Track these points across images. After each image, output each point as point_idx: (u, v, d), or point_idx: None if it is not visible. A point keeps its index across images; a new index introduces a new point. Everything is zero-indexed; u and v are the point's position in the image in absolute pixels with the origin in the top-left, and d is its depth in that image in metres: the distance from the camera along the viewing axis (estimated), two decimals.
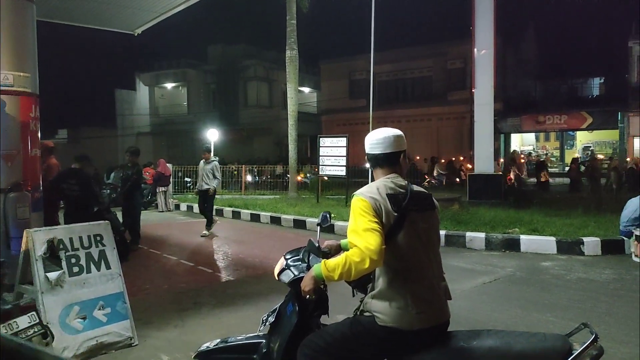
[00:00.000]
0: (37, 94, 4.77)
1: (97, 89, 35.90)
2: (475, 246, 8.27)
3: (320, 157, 14.49)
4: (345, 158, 13.83)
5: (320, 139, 14.88)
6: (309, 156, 28.34)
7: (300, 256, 2.45)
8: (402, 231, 2.07)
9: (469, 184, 12.92)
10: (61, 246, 3.78)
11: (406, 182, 2.23)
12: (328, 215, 2.67)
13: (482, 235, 8.34)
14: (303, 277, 2.23)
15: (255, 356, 2.41)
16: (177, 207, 15.90)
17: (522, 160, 21.50)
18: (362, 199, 2.09)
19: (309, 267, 2.31)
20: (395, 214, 2.07)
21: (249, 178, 20.88)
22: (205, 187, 10.09)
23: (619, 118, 24.18)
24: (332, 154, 14.19)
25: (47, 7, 7.02)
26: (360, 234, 2.00)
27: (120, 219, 8.10)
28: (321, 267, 2.08)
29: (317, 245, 2.40)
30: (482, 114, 12.97)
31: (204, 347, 2.54)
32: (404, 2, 27.16)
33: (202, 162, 10.39)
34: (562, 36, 34.86)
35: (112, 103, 34.77)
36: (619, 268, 6.68)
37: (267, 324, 2.40)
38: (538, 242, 7.92)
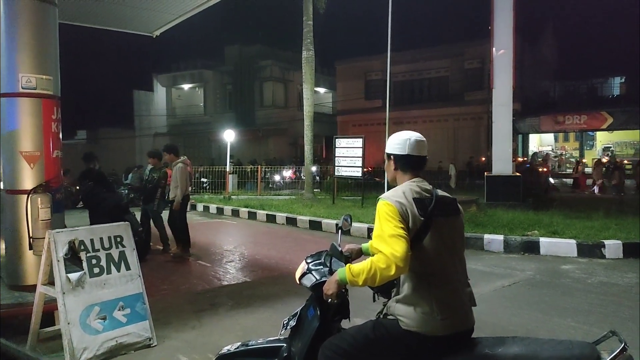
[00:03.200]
0: (59, 96, 4.83)
1: (115, 90, 36.37)
2: (494, 249, 8.17)
3: (336, 158, 14.47)
4: (361, 159, 13.79)
5: (336, 139, 14.87)
6: (325, 157, 28.34)
7: (322, 260, 2.43)
8: (427, 236, 2.05)
9: (487, 185, 12.78)
10: (82, 247, 3.82)
11: (431, 186, 2.22)
12: (349, 219, 2.64)
13: (501, 237, 8.24)
14: (325, 281, 2.21)
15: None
16: (194, 207, 16.01)
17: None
18: (388, 203, 2.06)
19: (330, 272, 2.30)
20: (422, 219, 2.05)
21: (276, 177, 20.98)
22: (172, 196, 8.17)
23: None
24: (348, 155, 14.17)
25: (67, 9, 7.12)
26: (387, 239, 1.97)
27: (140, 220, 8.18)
28: (346, 271, 2.06)
29: (339, 249, 2.38)
30: (500, 115, 12.81)
31: (224, 350, 2.54)
32: (421, 2, 27.00)
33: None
34: (582, 35, 34.35)
35: (130, 104, 35.22)
36: None
37: (288, 327, 2.39)
38: (558, 245, 7.80)
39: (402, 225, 2.01)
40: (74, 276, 3.68)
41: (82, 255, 3.81)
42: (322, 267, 2.38)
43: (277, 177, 21.42)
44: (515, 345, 1.94)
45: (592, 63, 31.42)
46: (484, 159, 23.75)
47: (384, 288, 2.19)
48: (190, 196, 16.40)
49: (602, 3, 31.95)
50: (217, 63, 34.76)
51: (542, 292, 5.76)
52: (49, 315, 4.08)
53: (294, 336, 2.37)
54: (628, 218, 9.16)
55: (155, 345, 4.01)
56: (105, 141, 31.71)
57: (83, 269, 3.77)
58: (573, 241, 7.76)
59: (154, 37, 8.91)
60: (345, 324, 2.41)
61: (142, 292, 4.06)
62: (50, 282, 3.80)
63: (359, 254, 2.48)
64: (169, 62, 35.54)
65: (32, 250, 4.42)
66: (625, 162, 22.95)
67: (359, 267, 2.02)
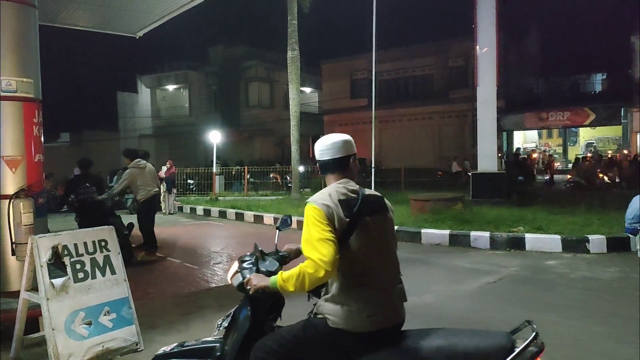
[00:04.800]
0: (40, 99, 4.77)
1: (98, 92, 35.89)
2: (480, 245, 8.25)
3: None
4: None
5: None
6: (311, 156, 28.35)
7: (253, 260, 2.47)
8: (353, 236, 2.09)
9: (472, 182, 12.89)
10: (66, 252, 3.78)
11: (358, 186, 2.25)
12: (289, 219, 2.68)
13: (487, 234, 8.32)
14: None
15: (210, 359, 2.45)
16: (180, 209, 15.92)
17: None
18: (315, 207, 2.09)
19: (258, 271, 2.33)
20: (347, 220, 2.08)
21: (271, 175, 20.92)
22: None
23: (622, 114, 24.12)
24: None
25: (48, 11, 7.03)
26: (314, 244, 2.01)
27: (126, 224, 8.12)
28: (277, 277, 2.09)
29: (260, 249, 2.43)
30: (485, 112, 12.95)
31: (161, 350, 2.57)
32: (405, 0, 27.11)
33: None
34: (565, 32, 34.78)
35: (114, 106, 34.84)
36: (624, 266, 6.66)
37: (220, 328, 2.43)
38: (543, 241, 7.90)
39: (330, 229, 2.04)
40: (58, 282, 3.64)
41: (66, 260, 3.77)
42: (252, 266, 2.40)
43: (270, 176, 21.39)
44: (437, 337, 2.01)
45: (575, 60, 31.80)
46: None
47: (315, 288, 2.21)
48: (177, 198, 16.43)
49: (585, 1, 32.40)
50: (202, 64, 34.55)
51: (527, 288, 5.84)
52: (34, 321, 4.04)
53: (227, 336, 2.41)
54: (610, 213, 9.31)
55: (142, 350, 3.98)
56: (89, 144, 31.34)
57: (67, 274, 3.73)
58: (558, 237, 7.86)
59: (138, 38, 8.83)
60: (282, 323, 2.42)
61: (127, 297, 4.03)
62: (34, 288, 3.75)
63: (298, 254, 2.49)
64: (153, 63, 35.25)
65: (15, 256, 4.37)
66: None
67: (289, 273, 2.05)
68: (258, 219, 12.48)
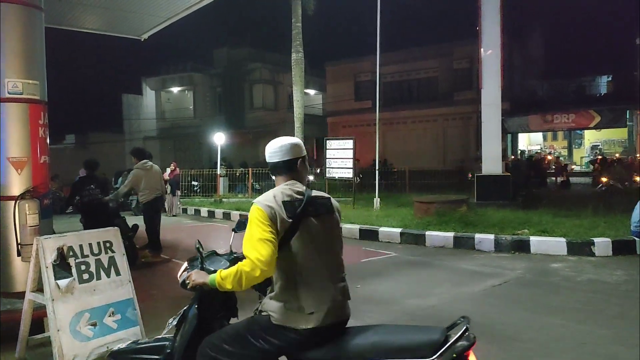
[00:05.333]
0: (46, 101, 4.79)
1: (103, 94, 36.12)
2: (484, 248, 8.22)
3: (327, 160, 14.49)
4: (352, 160, 13.82)
5: (327, 141, 14.89)
6: (316, 158, 28.35)
7: (200, 260, 2.53)
8: (296, 236, 2.16)
9: (477, 185, 12.85)
10: (71, 253, 3.79)
11: (304, 187, 2.31)
12: (245, 221, 2.76)
13: (491, 237, 8.29)
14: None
15: (160, 357, 2.49)
16: (185, 211, 15.95)
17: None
18: (259, 207, 2.16)
19: (203, 270, 2.40)
20: (290, 220, 2.15)
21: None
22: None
23: (628, 116, 24.00)
24: (339, 156, 14.19)
25: (54, 13, 7.07)
26: (254, 244, 2.08)
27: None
28: (216, 274, 2.15)
29: (200, 249, 2.56)
30: (489, 114, 12.91)
31: (116, 347, 2.68)
32: (409, 2, 27.11)
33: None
34: (569, 34, 34.70)
35: (119, 108, 34.97)
36: (631, 269, 6.61)
37: (170, 326, 2.52)
38: (548, 243, 7.86)
39: (271, 229, 2.10)
40: (63, 282, 3.64)
41: (71, 261, 3.77)
42: (198, 265, 2.48)
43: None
44: (374, 333, 2.11)
45: (579, 62, 31.72)
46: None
47: (262, 286, 2.28)
48: (181, 200, 16.45)
49: (589, 2, 32.31)
50: (207, 66, 34.63)
51: (532, 291, 5.81)
52: (39, 322, 4.05)
53: (177, 334, 2.48)
54: (616, 215, 9.25)
55: None
56: (94, 145, 31.43)
57: (72, 275, 3.73)
58: (563, 239, 7.82)
59: (143, 40, 8.87)
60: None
61: (132, 298, 4.03)
62: (40, 289, 3.76)
63: None
64: (157, 66, 35.35)
65: (20, 257, 4.38)
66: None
67: (228, 271, 2.12)
68: None
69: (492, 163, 12.77)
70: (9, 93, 4.47)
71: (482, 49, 12.93)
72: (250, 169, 20.10)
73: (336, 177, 14.72)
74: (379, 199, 13.06)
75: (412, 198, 12.29)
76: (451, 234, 8.68)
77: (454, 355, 1.92)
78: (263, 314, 2.21)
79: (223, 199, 17.21)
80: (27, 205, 4.35)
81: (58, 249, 3.72)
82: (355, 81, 30.75)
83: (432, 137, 27.41)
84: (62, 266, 3.71)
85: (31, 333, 3.95)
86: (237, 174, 20.86)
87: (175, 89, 35.23)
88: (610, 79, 30.94)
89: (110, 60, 35.63)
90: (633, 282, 6.03)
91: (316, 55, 27.71)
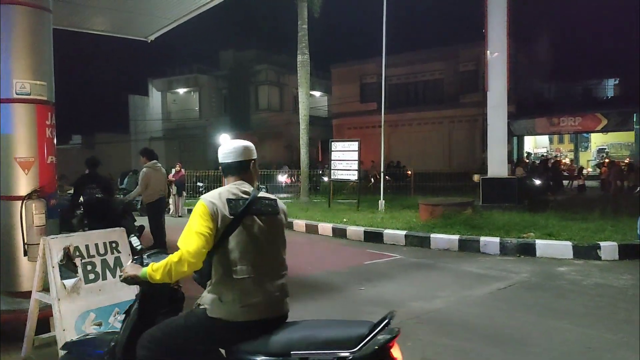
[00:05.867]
0: (53, 102, 4.82)
1: (110, 95, 36.27)
2: (490, 251, 8.19)
3: (332, 162, 14.49)
4: (357, 162, 13.82)
5: (332, 143, 14.89)
6: (321, 160, 28.36)
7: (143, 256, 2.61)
8: (235, 233, 2.25)
9: (482, 187, 12.81)
10: (77, 253, 3.81)
11: (252, 188, 2.41)
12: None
13: (497, 240, 8.26)
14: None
15: (106, 349, 2.56)
16: (190, 211, 15.97)
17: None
18: (202, 203, 2.28)
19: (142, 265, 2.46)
20: (231, 217, 2.25)
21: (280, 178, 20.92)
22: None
23: (635, 119, 23.85)
24: (344, 158, 14.19)
25: (62, 15, 7.10)
26: (188, 236, 2.21)
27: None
28: (148, 267, 2.24)
29: (133, 243, 2.74)
30: (495, 117, 12.86)
31: (69, 339, 2.80)
32: (415, 5, 27.10)
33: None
34: (577, 37, 34.52)
35: (125, 109, 35.14)
36: (637, 273, 6.57)
37: (116, 320, 2.67)
38: (554, 247, 7.82)
39: (209, 225, 2.21)
40: (69, 282, 3.66)
41: (77, 261, 3.79)
42: (137, 260, 2.54)
43: (278, 179, 21.46)
44: (304, 328, 2.21)
45: (586, 65, 31.57)
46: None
47: (203, 281, 2.34)
48: (186, 200, 16.48)
49: (596, 5, 32.17)
50: (212, 67, 34.74)
51: (538, 295, 5.78)
52: (45, 321, 4.06)
53: (122, 327, 2.54)
54: (623, 219, 9.19)
55: None
56: (101, 146, 31.59)
57: (78, 275, 3.75)
58: (569, 243, 7.78)
59: (149, 41, 8.89)
60: None
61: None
62: (46, 289, 3.78)
63: None
64: (164, 67, 35.51)
65: (27, 257, 4.41)
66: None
67: (159, 263, 2.21)
68: None
69: (497, 166, 12.72)
70: (17, 94, 4.50)
71: (488, 51, 12.89)
72: None
73: (341, 179, 14.72)
74: (383, 201, 13.04)
75: (417, 200, 12.28)
76: (456, 237, 8.65)
77: (376, 347, 2.00)
78: (201, 307, 2.28)
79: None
80: (33, 205, 4.37)
81: (64, 249, 3.74)
82: (361, 83, 30.73)
83: (437, 140, 27.34)
84: (68, 266, 3.73)
85: (37, 332, 3.97)
86: None
87: (181, 90, 35.36)
88: (617, 82, 30.76)
89: (117, 62, 35.80)
90: (639, 286, 6.00)
91: (322, 57, 27.78)
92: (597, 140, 32.71)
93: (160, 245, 8.09)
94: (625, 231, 8.20)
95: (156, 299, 2.47)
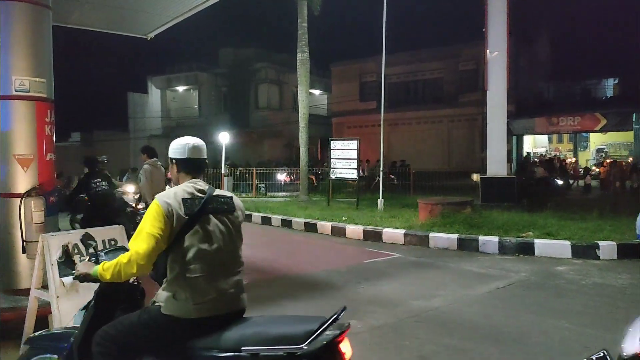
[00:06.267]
0: (53, 99, 4.81)
1: (109, 93, 36.25)
2: (489, 250, 8.20)
3: (332, 160, 14.48)
4: (356, 161, 13.81)
5: (332, 141, 14.88)
6: (320, 158, 28.36)
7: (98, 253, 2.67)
8: (191, 232, 2.27)
9: (481, 186, 12.82)
10: (76, 251, 3.80)
11: (208, 186, 2.44)
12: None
13: (496, 239, 8.27)
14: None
15: (65, 345, 2.60)
16: None
17: None
18: (157, 203, 2.28)
19: (97, 262, 2.51)
20: (186, 217, 2.27)
21: (279, 177, 20.89)
22: None
23: (634, 119, 23.86)
24: (344, 157, 14.18)
25: (61, 12, 7.09)
26: (139, 237, 2.23)
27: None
28: (100, 265, 2.31)
29: (88, 241, 2.73)
30: (494, 116, 12.87)
31: (32, 334, 2.85)
32: (415, 3, 27.08)
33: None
34: (576, 37, 34.54)
35: (124, 106, 35.09)
36: (636, 273, 6.57)
37: (75, 317, 2.69)
38: (552, 246, 7.83)
39: (162, 226, 2.22)
40: (67, 280, 3.66)
41: (76, 258, 3.78)
42: (93, 257, 2.59)
43: (277, 177, 21.42)
44: (256, 324, 2.26)
45: (586, 64, 31.59)
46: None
47: (159, 278, 2.37)
48: None
49: (596, 5, 32.18)
50: (212, 65, 34.68)
51: (537, 294, 5.78)
52: (43, 319, 4.05)
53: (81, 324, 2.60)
54: (622, 219, 9.20)
55: None
56: (100, 143, 31.57)
57: None
58: (567, 242, 7.79)
59: (149, 39, 8.87)
60: None
61: None
62: (44, 286, 3.78)
63: None
64: (163, 65, 35.47)
65: (25, 254, 4.40)
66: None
67: (110, 262, 2.26)
68: (266, 220, 12.49)
69: (497, 165, 12.72)
70: (16, 91, 4.49)
71: (487, 51, 12.90)
72: (254, 169, 20.14)
73: (340, 178, 14.72)
74: (382, 200, 13.04)
75: (416, 199, 12.27)
76: (455, 236, 8.66)
77: (324, 343, 2.04)
78: (156, 304, 2.32)
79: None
80: (32, 202, 4.37)
81: (63, 247, 3.71)
82: (361, 82, 30.72)
83: (437, 139, 27.34)
84: (67, 263, 3.70)
85: (36, 330, 3.95)
86: (241, 174, 20.88)
87: (180, 88, 35.32)
88: (616, 82, 30.77)
89: (117, 59, 35.78)
90: (638, 285, 6.00)
91: (322, 55, 27.74)
92: (596, 140, 32.72)
93: None
94: (623, 231, 8.21)
95: (114, 295, 2.51)
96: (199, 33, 31.54)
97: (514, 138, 26.74)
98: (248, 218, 13.12)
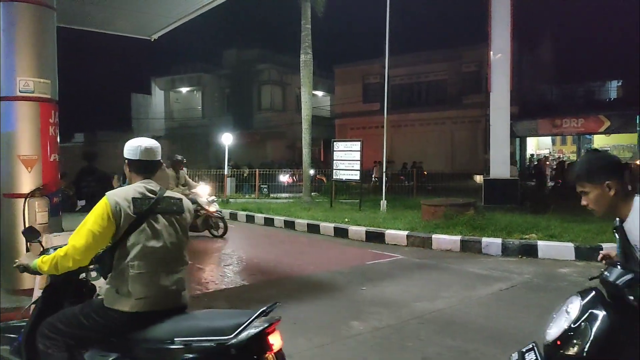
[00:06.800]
0: (57, 100, 4.83)
1: (113, 94, 36.31)
2: (492, 252, 8.18)
3: (334, 162, 14.48)
4: (359, 162, 13.81)
5: (334, 143, 14.88)
6: (323, 160, 28.38)
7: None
8: (138, 230, 2.36)
9: (484, 188, 12.80)
10: None
11: (159, 187, 2.53)
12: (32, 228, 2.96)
13: (499, 240, 8.25)
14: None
15: (17, 336, 2.69)
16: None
17: None
18: (106, 200, 2.36)
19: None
20: (134, 216, 2.35)
21: (282, 178, 20.89)
22: None
23: (638, 121, 23.78)
24: (346, 158, 14.17)
25: (66, 13, 7.12)
26: (79, 232, 2.31)
27: None
28: (39, 258, 2.38)
29: (28, 234, 2.82)
30: (498, 118, 12.85)
31: (10, 322, 2.93)
32: (419, 5, 27.08)
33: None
34: (579, 39, 34.45)
35: (128, 107, 35.21)
36: None
37: (29, 309, 2.76)
38: (556, 248, 7.80)
39: (104, 224, 2.31)
40: None
41: None
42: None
43: (280, 178, 21.45)
44: (190, 319, 2.38)
45: (589, 66, 31.49)
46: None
47: (105, 272, 2.45)
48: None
49: (599, 7, 32.12)
50: (215, 66, 34.78)
51: (540, 295, 5.77)
52: None
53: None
54: None
55: None
56: (103, 144, 31.64)
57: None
58: (571, 244, 7.77)
59: (152, 40, 8.92)
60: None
61: None
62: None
63: None
64: (167, 66, 35.60)
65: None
66: None
67: (49, 256, 2.34)
68: (269, 222, 12.49)
69: (500, 167, 12.70)
70: (21, 92, 4.52)
71: (491, 53, 12.88)
72: (257, 170, 20.15)
73: (343, 179, 14.72)
74: (385, 202, 13.04)
75: (418, 201, 12.26)
76: (458, 237, 8.64)
77: (253, 334, 2.17)
78: (99, 297, 2.43)
79: (230, 199, 17.24)
80: (36, 202, 4.39)
81: None
82: (364, 83, 30.74)
83: (440, 140, 27.34)
84: None
85: None
86: (245, 175, 20.89)
87: (184, 89, 35.42)
88: (620, 84, 30.68)
89: (120, 60, 35.83)
90: None
91: (325, 56, 27.74)
92: (599, 142, 32.60)
93: None
94: None
95: (62, 289, 2.60)
96: (203, 34, 31.66)
97: (517, 140, 26.71)
98: (250, 219, 13.13)
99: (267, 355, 2.22)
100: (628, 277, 1.99)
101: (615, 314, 2.01)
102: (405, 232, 9.31)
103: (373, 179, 20.00)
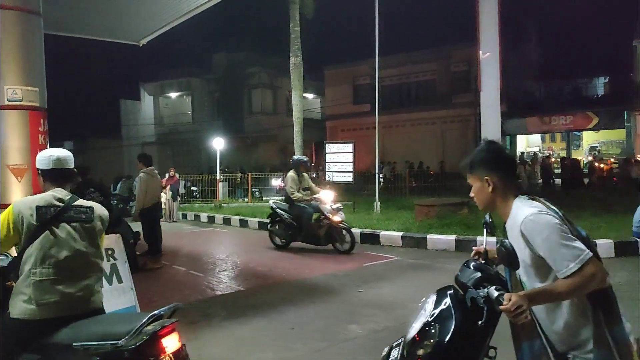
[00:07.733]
0: (46, 108, 4.76)
1: (102, 100, 36.04)
2: None
3: (327, 164, 14.47)
4: (352, 164, 13.80)
5: (327, 145, 14.87)
6: (315, 162, 28.38)
7: None
8: (41, 237, 2.41)
9: None
10: None
11: (70, 196, 2.57)
12: None
13: (493, 239, 8.24)
14: None
15: None
16: (185, 216, 15.91)
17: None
18: (10, 209, 2.46)
19: None
20: (36, 224, 2.41)
21: (274, 183, 20.89)
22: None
23: (625, 117, 24.04)
24: (339, 160, 14.16)
25: (53, 19, 7.04)
26: None
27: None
28: None
29: None
30: (488, 117, 12.91)
31: None
32: (407, 6, 27.19)
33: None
34: (566, 36, 34.69)
35: (117, 114, 34.94)
36: (633, 270, 6.59)
37: None
38: None
39: (4, 232, 2.42)
40: None
41: None
42: None
43: (272, 183, 21.39)
44: (92, 324, 2.43)
45: (576, 63, 31.72)
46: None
47: (16, 279, 2.49)
48: (180, 205, 16.41)
49: (585, 4, 32.43)
50: (205, 71, 34.63)
51: None
52: None
53: None
54: (618, 216, 9.24)
55: None
56: (93, 151, 31.46)
57: None
58: None
59: (141, 46, 8.85)
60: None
61: (135, 305, 4.01)
62: None
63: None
64: (155, 71, 35.34)
65: None
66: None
67: None
68: (263, 226, 12.43)
69: None
70: (9, 100, 4.44)
71: (480, 51, 12.94)
72: (249, 174, 20.10)
73: (336, 181, 14.70)
74: (379, 203, 13.04)
75: (411, 201, 12.27)
76: (453, 237, 8.66)
77: (145, 337, 2.26)
78: (7, 311, 2.44)
79: (223, 204, 17.17)
80: None
81: None
82: (354, 85, 30.77)
83: (431, 140, 27.41)
84: None
85: None
86: (237, 180, 20.81)
87: (173, 95, 35.24)
88: (607, 80, 30.99)
89: (109, 66, 35.52)
90: (635, 283, 6.00)
91: (315, 59, 27.70)
92: (588, 138, 32.95)
93: (155, 250, 8.05)
94: (619, 228, 8.23)
95: None
96: (191, 39, 31.49)
97: (508, 138, 26.88)
98: (244, 224, 13.07)
99: (162, 356, 2.30)
100: (476, 275, 2.10)
101: (463, 312, 2.08)
102: (400, 233, 9.31)
103: (379, 179, 20.10)
